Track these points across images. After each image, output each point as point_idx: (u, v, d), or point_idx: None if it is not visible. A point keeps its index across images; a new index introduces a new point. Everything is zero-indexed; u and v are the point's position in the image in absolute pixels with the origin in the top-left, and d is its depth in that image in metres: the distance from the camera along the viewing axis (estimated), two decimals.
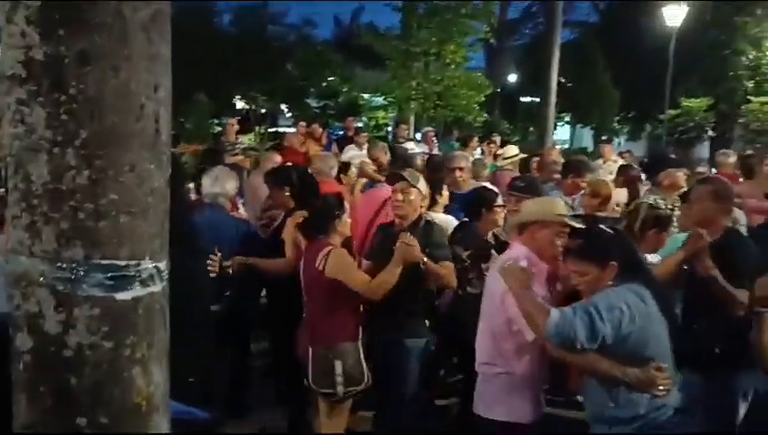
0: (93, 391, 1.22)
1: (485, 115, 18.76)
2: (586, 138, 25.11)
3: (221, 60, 17.50)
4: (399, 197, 3.67)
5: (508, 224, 3.87)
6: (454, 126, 18.93)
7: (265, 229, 4.42)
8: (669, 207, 3.60)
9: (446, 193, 4.75)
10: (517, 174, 6.30)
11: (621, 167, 6.53)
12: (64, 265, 1.19)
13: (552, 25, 16.08)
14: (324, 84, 20.95)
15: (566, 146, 22.71)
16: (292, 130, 13.41)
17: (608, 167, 8.33)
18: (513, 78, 28.24)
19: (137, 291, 1.24)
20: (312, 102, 21.31)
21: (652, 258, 3.58)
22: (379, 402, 3.78)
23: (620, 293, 2.52)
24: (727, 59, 19.26)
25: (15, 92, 1.18)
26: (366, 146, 9.12)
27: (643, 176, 6.20)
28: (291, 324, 3.68)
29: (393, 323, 3.53)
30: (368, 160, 6.74)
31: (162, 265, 1.30)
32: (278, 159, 6.36)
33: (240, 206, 5.59)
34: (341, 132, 12.82)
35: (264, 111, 20.98)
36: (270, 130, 19.36)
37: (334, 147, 10.15)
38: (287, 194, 4.18)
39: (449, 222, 4.38)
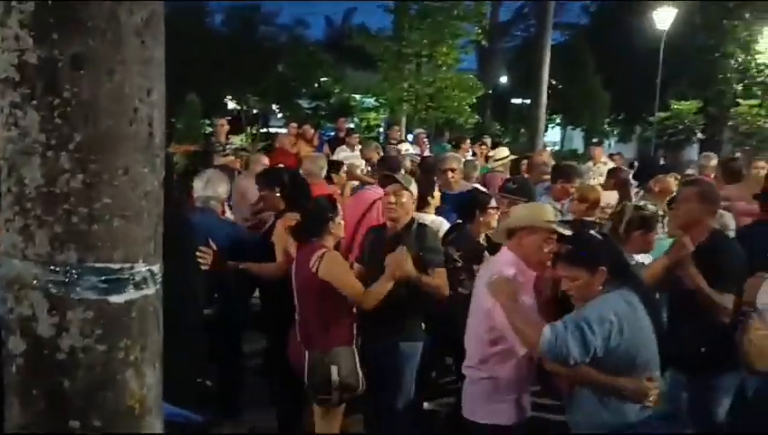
0: (86, 394, 1.22)
1: (477, 117, 18.77)
2: (577, 139, 25.21)
3: (213, 60, 17.42)
4: (392, 199, 3.62)
5: (497, 228, 3.86)
6: (445, 128, 18.95)
7: (254, 232, 4.40)
8: (660, 213, 3.60)
9: (437, 194, 4.76)
10: (508, 176, 6.33)
11: (611, 170, 6.55)
12: (58, 269, 1.19)
13: (543, 27, 16.12)
14: (316, 85, 20.91)
15: (557, 148, 22.82)
16: (284, 130, 13.38)
17: (598, 169, 8.40)
18: (504, 80, 28.30)
19: (130, 294, 1.25)
20: (304, 103, 21.23)
21: (643, 259, 3.59)
22: (374, 407, 3.75)
23: (610, 302, 2.53)
24: (716, 62, 19.40)
25: (9, 96, 1.18)
26: (357, 147, 9.16)
27: (632, 180, 6.22)
28: (284, 325, 3.68)
29: (389, 326, 3.47)
30: (357, 163, 6.74)
31: (156, 268, 1.31)
32: (266, 160, 6.35)
33: (227, 208, 5.57)
34: (333, 133, 12.80)
35: (255, 111, 20.89)
36: (261, 130, 19.31)
37: (326, 148, 10.16)
38: (278, 195, 4.18)
39: (441, 223, 4.39)
